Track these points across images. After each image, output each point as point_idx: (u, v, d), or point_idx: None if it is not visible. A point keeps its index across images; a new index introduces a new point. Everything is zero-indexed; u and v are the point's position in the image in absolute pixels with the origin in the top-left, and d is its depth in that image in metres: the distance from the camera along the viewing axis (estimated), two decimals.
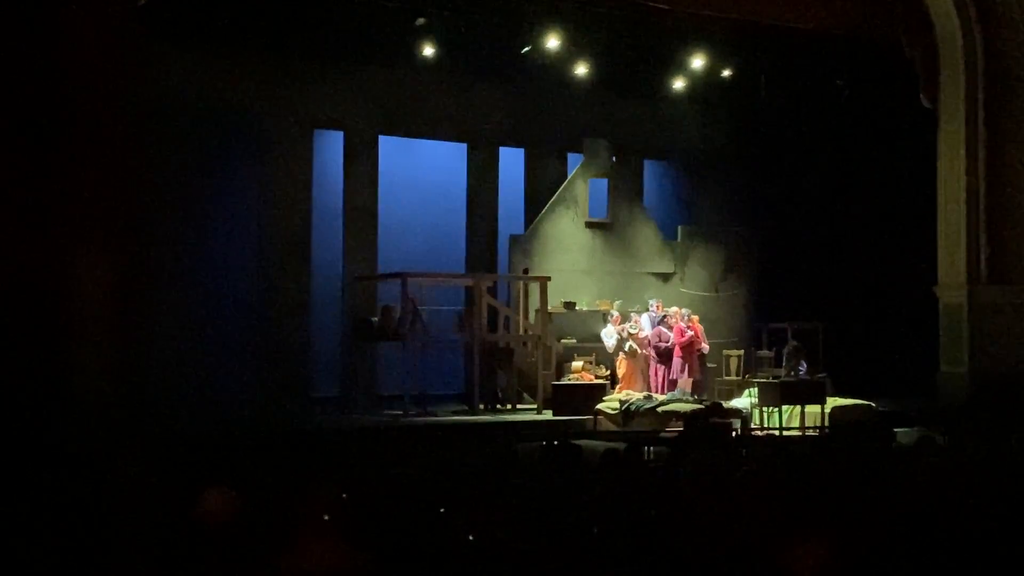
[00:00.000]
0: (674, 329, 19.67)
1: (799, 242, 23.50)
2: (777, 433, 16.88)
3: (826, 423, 17.35)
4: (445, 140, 22.28)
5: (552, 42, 20.01)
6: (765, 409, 17.67)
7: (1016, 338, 19.22)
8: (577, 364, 19.72)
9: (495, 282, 21.08)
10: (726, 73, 21.88)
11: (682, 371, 19.41)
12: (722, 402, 18.35)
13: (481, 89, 21.77)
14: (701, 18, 19.82)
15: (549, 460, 8.57)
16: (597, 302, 20.88)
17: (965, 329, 19.52)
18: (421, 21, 19.31)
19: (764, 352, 21.00)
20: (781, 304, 21.94)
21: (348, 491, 6.16)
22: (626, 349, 19.59)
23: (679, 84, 22.14)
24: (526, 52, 20.36)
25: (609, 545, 5.64)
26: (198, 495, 5.77)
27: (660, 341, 19.67)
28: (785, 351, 20.31)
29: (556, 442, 10.42)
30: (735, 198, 23.80)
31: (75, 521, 5.77)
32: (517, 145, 22.88)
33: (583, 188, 21.99)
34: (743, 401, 18.47)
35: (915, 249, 20.95)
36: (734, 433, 15.91)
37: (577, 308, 20.89)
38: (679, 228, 23.14)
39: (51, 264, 14.09)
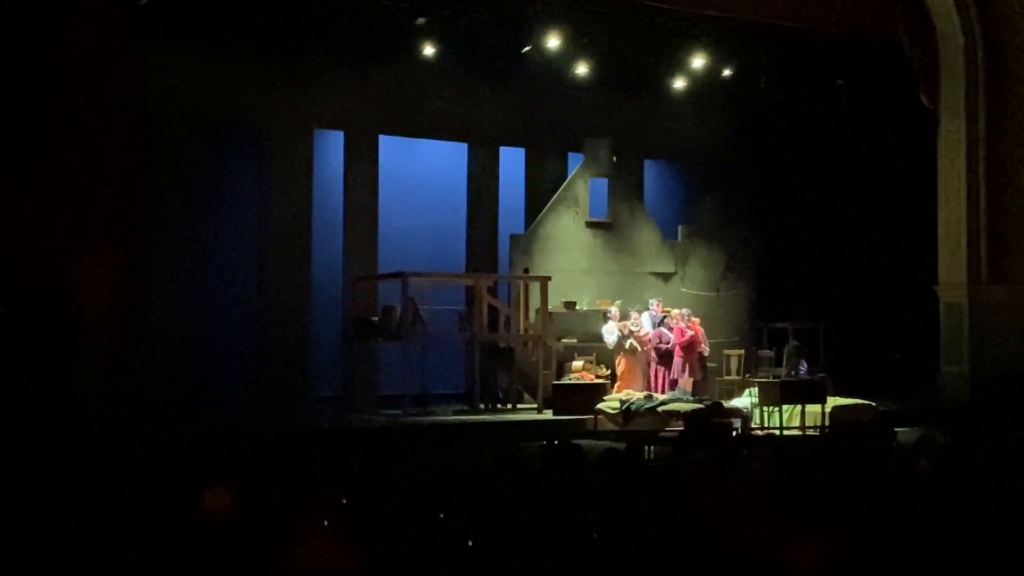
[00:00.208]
0: (674, 329, 19.67)
1: (799, 242, 23.49)
2: (778, 433, 16.88)
3: (827, 423, 17.33)
4: (446, 140, 22.27)
5: (552, 42, 20.01)
6: (766, 409, 17.66)
7: (1016, 337, 19.23)
8: (577, 364, 19.71)
9: (495, 282, 21.06)
10: (727, 73, 21.88)
11: (683, 371, 19.40)
12: (723, 402, 18.34)
13: (482, 89, 21.76)
14: (702, 18, 19.84)
15: (549, 460, 8.57)
16: (597, 302, 20.87)
17: (965, 328, 19.54)
18: (421, 21, 19.32)
19: (765, 352, 20.98)
20: (781, 303, 21.92)
21: (348, 491, 6.17)
22: (627, 346, 19.58)
23: (680, 84, 22.14)
24: (527, 52, 20.36)
25: (609, 545, 5.64)
26: (198, 495, 5.77)
27: (661, 342, 19.66)
28: (785, 351, 20.29)
29: (556, 442, 10.42)
30: (735, 198, 23.79)
31: (75, 521, 5.77)
32: (518, 145, 22.88)
33: (584, 188, 21.98)
34: (744, 401, 18.46)
35: (915, 249, 20.95)
36: (734, 433, 15.90)
37: (577, 308, 20.88)
38: (679, 228, 23.13)
39: (51, 264, 14.10)
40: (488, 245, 22.45)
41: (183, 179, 19.03)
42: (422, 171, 22.22)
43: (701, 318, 20.55)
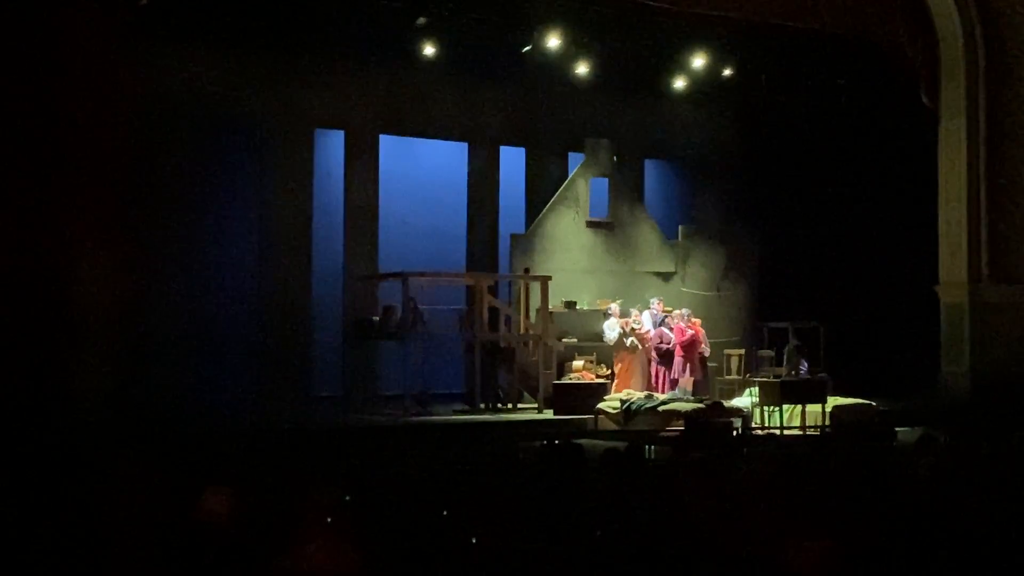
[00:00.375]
0: (675, 328, 19.67)
1: (800, 241, 23.49)
2: (778, 432, 16.89)
3: (827, 422, 17.34)
4: (446, 139, 22.27)
5: (553, 41, 20.00)
6: (766, 408, 17.66)
7: (1017, 337, 19.22)
8: (578, 363, 19.72)
9: (496, 281, 21.07)
10: (727, 73, 21.87)
11: (683, 371, 19.41)
12: (723, 401, 18.36)
13: (482, 88, 21.77)
14: (702, 18, 19.82)
15: (550, 459, 8.57)
16: (598, 301, 20.88)
17: (966, 328, 19.52)
18: (422, 21, 19.31)
19: (765, 351, 20.98)
20: (782, 303, 21.92)
21: (349, 491, 6.17)
22: (627, 344, 19.58)
23: (680, 84, 22.13)
24: (527, 52, 20.35)
25: (610, 545, 5.64)
26: (198, 495, 5.77)
27: (661, 342, 19.67)
28: (786, 350, 20.30)
29: (557, 441, 10.42)
30: (736, 197, 23.80)
31: (75, 521, 5.77)
32: (518, 144, 22.87)
33: (584, 187, 21.99)
34: (744, 400, 18.47)
35: (916, 248, 20.94)
36: (735, 432, 15.91)
37: (578, 307, 20.89)
38: (680, 228, 23.14)
39: (51, 264, 14.10)
40: (488, 245, 22.45)
41: (183, 179, 19.02)
42: (422, 171, 22.22)
43: (701, 318, 20.58)
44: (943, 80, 20.01)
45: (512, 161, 22.87)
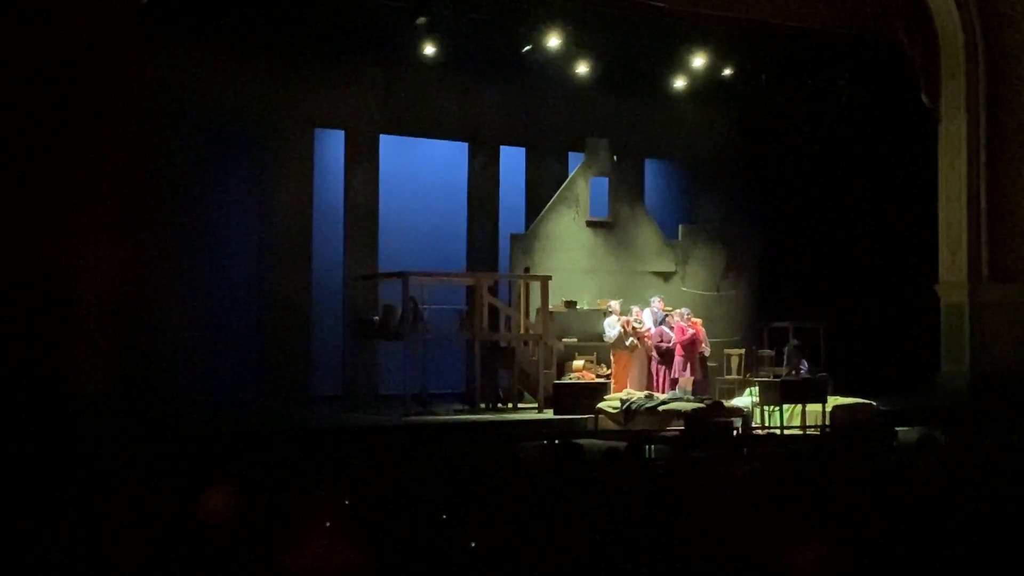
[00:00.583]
0: (675, 327, 19.67)
1: (800, 241, 23.49)
2: (778, 432, 16.88)
3: (827, 422, 17.33)
4: (446, 139, 22.28)
5: (553, 41, 19.99)
6: (766, 408, 17.66)
7: (1017, 337, 19.21)
8: (578, 363, 19.72)
9: (496, 281, 21.06)
10: (727, 72, 21.87)
11: (683, 370, 19.41)
12: (723, 401, 18.35)
13: (482, 88, 21.78)
14: (702, 17, 19.82)
15: (550, 459, 8.57)
16: (598, 301, 20.87)
17: (966, 328, 19.52)
18: (422, 20, 19.30)
19: (765, 351, 20.98)
20: (782, 303, 21.92)
21: (349, 491, 6.16)
22: (627, 344, 19.58)
23: (680, 83, 22.12)
24: (527, 51, 20.35)
25: (610, 544, 5.64)
26: (198, 495, 5.77)
27: (662, 341, 19.67)
28: (786, 350, 20.30)
29: (557, 441, 10.43)
30: (736, 197, 23.80)
31: (75, 521, 5.77)
32: (518, 144, 22.88)
33: (584, 187, 21.99)
34: (744, 400, 18.46)
35: (916, 248, 20.94)
36: (735, 432, 15.91)
37: (578, 307, 20.89)
38: (680, 227, 23.14)
39: (52, 263, 14.10)
40: (489, 244, 22.46)
41: (184, 179, 19.03)
42: (422, 171, 22.22)
43: (702, 318, 20.57)
44: (943, 80, 20.00)
45: (512, 161, 22.88)
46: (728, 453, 11.33)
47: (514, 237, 21.75)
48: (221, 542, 5.49)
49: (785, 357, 20.15)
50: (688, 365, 19.48)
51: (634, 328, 19.64)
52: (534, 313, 20.22)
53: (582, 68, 20.98)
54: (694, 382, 19.13)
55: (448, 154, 22.43)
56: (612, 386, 19.26)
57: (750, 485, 6.22)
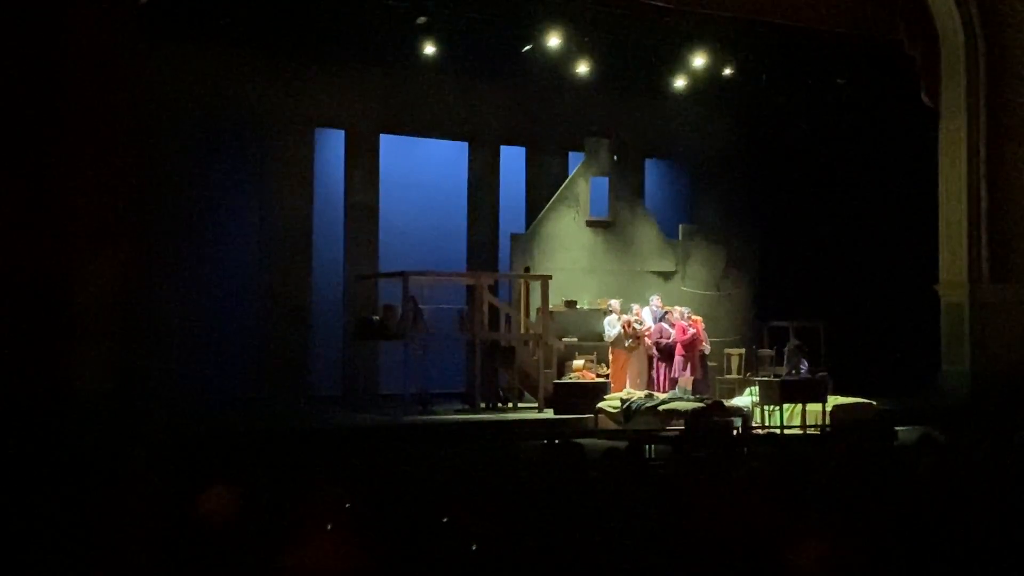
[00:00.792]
0: (676, 327, 19.67)
1: (800, 240, 23.49)
2: (778, 432, 16.89)
3: (827, 422, 17.34)
4: (446, 139, 22.29)
5: (553, 41, 20.00)
6: (766, 408, 17.67)
7: (1017, 336, 19.21)
8: (578, 363, 19.72)
9: (496, 281, 21.07)
10: (727, 72, 21.86)
11: (683, 370, 19.41)
12: (723, 400, 18.35)
13: (482, 88, 21.78)
14: (702, 17, 19.83)
15: (550, 459, 8.57)
16: (598, 301, 20.88)
17: (966, 327, 19.52)
18: (422, 20, 19.31)
19: (765, 351, 20.98)
20: (782, 302, 21.93)
21: (349, 491, 6.17)
22: (626, 344, 19.58)
23: (680, 83, 22.13)
24: (527, 51, 20.36)
25: (610, 544, 5.64)
26: (199, 494, 5.77)
27: (661, 338, 19.68)
28: (786, 349, 20.29)
29: (557, 441, 10.42)
30: (736, 196, 23.81)
31: (75, 520, 5.77)
32: (518, 144, 22.90)
33: (584, 187, 21.99)
34: (744, 400, 18.47)
35: (916, 248, 20.95)
36: (735, 432, 15.91)
37: (578, 307, 20.89)
38: (680, 227, 23.15)
39: (52, 263, 14.10)
40: (489, 244, 22.47)
41: (184, 178, 19.04)
42: (423, 170, 22.23)
43: (702, 317, 20.56)
44: (944, 79, 20.00)
45: (512, 161, 22.89)
46: (728, 453, 11.34)
47: (514, 237, 21.75)
48: (221, 542, 5.49)
49: (785, 357, 20.15)
50: (688, 365, 19.49)
51: (634, 329, 19.64)
52: (534, 313, 20.23)
53: (582, 67, 20.98)
54: (694, 381, 19.14)
55: (448, 154, 22.43)
56: (611, 385, 19.27)
57: (750, 485, 6.22)
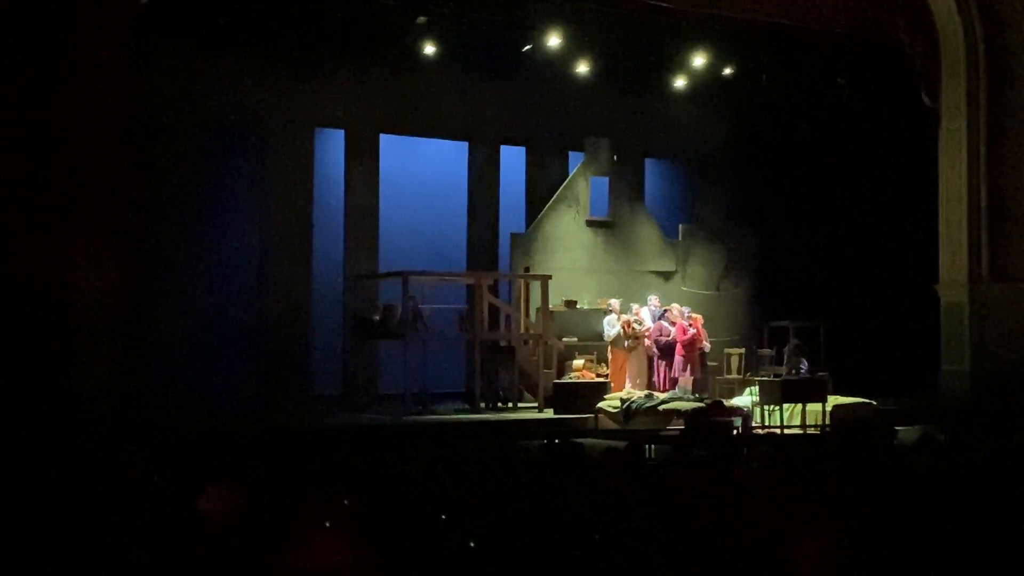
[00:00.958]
0: (676, 327, 19.68)
1: (800, 240, 23.50)
2: (778, 431, 16.91)
3: (827, 421, 17.34)
4: (446, 139, 22.29)
5: (553, 41, 20.01)
6: (766, 407, 17.68)
7: (1017, 336, 19.20)
8: (578, 362, 19.72)
9: (496, 280, 21.07)
10: (727, 72, 21.88)
11: (683, 369, 19.41)
12: (723, 400, 18.35)
13: (482, 88, 21.78)
14: (702, 17, 19.82)
15: (550, 459, 8.57)
16: (598, 300, 20.88)
17: (966, 327, 19.51)
18: (422, 20, 19.31)
19: (765, 350, 20.99)
20: (782, 302, 21.94)
21: (349, 490, 6.17)
22: (626, 345, 19.58)
23: (680, 83, 22.14)
24: (527, 51, 20.36)
25: (610, 544, 5.64)
26: (199, 494, 5.77)
27: (661, 335, 19.69)
28: (786, 349, 20.31)
29: (557, 441, 10.43)
30: (736, 197, 23.79)
31: (75, 520, 5.77)
32: (518, 144, 22.89)
33: (584, 187, 21.99)
34: (744, 399, 18.47)
35: (916, 247, 20.94)
36: (735, 431, 15.93)
37: (578, 306, 20.89)
38: (680, 227, 23.15)
39: (52, 263, 14.10)
40: (489, 244, 22.46)
41: (184, 178, 19.03)
42: (423, 170, 22.24)
43: (702, 316, 20.55)
44: (944, 80, 20.00)
45: (512, 160, 22.89)
46: (728, 453, 11.33)
47: (514, 237, 21.75)
48: (221, 542, 5.49)
49: (785, 356, 20.16)
50: (688, 365, 19.49)
51: (634, 329, 19.64)
52: (534, 312, 20.23)
53: (582, 67, 20.99)
54: (694, 381, 19.16)
55: (448, 153, 22.44)
56: (610, 385, 19.28)
57: (750, 485, 6.23)
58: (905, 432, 14.37)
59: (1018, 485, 6.99)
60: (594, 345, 20.20)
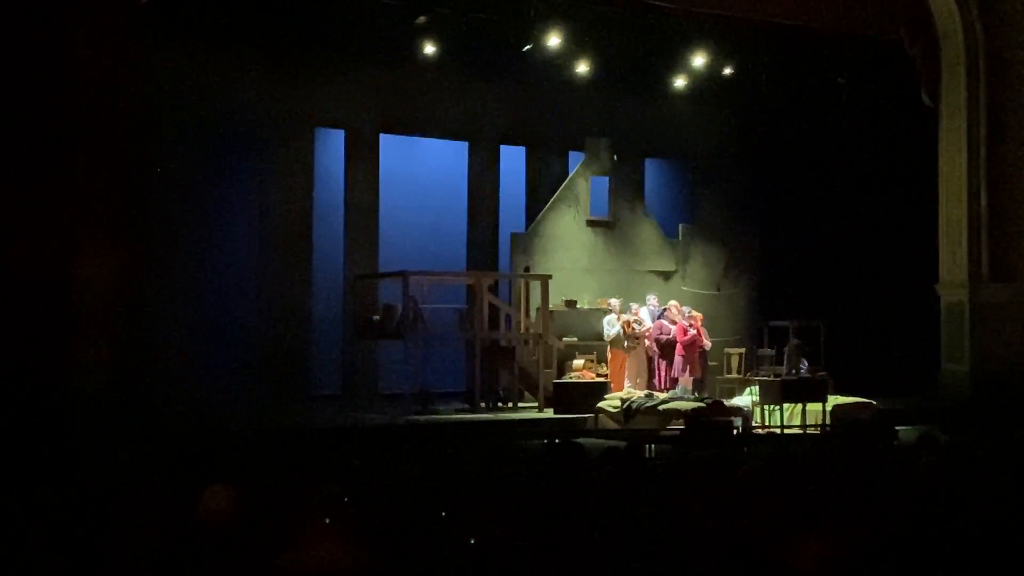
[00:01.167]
0: (676, 327, 19.67)
1: (800, 240, 23.48)
2: (778, 431, 16.90)
3: (827, 421, 17.34)
4: (446, 138, 22.29)
5: (553, 40, 20.00)
6: (766, 407, 17.67)
7: (1017, 336, 19.21)
8: (578, 362, 19.71)
9: (496, 280, 21.06)
10: (727, 71, 21.87)
11: (684, 369, 19.41)
12: (723, 400, 18.35)
13: (482, 87, 21.78)
14: (702, 16, 19.83)
15: (550, 459, 8.56)
16: (598, 300, 20.88)
17: (966, 327, 19.52)
18: (422, 20, 19.31)
19: (765, 350, 20.97)
20: (782, 302, 21.93)
21: (349, 490, 6.16)
22: (625, 345, 19.58)
23: (680, 82, 22.14)
24: (527, 50, 20.35)
25: (610, 544, 5.64)
26: (199, 494, 5.77)
27: (661, 334, 19.68)
28: (786, 349, 20.29)
29: (557, 440, 10.42)
30: (736, 196, 23.79)
31: (75, 520, 5.77)
32: (518, 143, 22.90)
33: (584, 186, 21.99)
34: (744, 399, 18.46)
35: (916, 247, 20.94)
36: (735, 431, 15.92)
37: (578, 306, 20.89)
38: (680, 226, 23.14)
39: (52, 263, 14.11)
40: (489, 243, 22.47)
41: (184, 178, 19.03)
42: (423, 170, 22.23)
43: (702, 315, 20.54)
44: (944, 79, 20.01)
45: (512, 160, 22.89)
46: (728, 453, 11.33)
47: (514, 236, 21.75)
48: (221, 542, 5.49)
49: (785, 356, 20.14)
50: (688, 365, 19.49)
51: (634, 329, 19.64)
52: (534, 312, 20.22)
53: (582, 67, 20.99)
54: (694, 381, 19.16)
55: (448, 153, 22.43)
56: (610, 385, 19.27)
57: (750, 485, 6.22)
58: (905, 432, 14.39)
59: (1018, 485, 6.99)
60: (594, 345, 20.20)
